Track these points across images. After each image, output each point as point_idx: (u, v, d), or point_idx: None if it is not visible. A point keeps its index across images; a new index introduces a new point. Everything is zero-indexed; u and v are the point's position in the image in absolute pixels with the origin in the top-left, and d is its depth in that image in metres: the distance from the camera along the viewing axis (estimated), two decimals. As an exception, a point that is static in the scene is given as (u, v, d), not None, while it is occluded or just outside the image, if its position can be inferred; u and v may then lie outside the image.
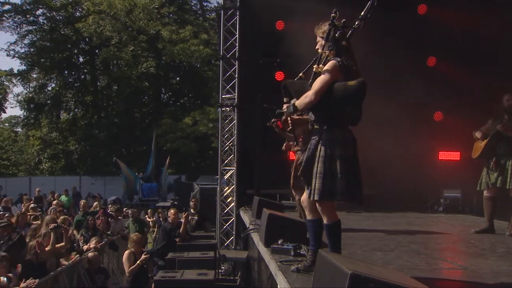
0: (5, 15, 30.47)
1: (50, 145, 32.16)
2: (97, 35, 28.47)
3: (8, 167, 35.69)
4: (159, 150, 26.54)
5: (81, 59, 33.17)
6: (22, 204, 14.17)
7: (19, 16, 30.74)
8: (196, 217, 10.03)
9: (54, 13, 31.02)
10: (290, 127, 4.34)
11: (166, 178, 25.05)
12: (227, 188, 10.21)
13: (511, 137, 5.95)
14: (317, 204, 3.38)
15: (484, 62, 8.95)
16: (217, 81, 15.61)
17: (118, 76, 30.51)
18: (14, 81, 34.23)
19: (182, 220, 8.70)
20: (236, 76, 9.87)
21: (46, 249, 6.76)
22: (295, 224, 4.76)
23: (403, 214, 8.84)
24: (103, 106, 32.70)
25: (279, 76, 9.19)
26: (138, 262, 7.14)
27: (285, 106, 3.61)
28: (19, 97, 34.38)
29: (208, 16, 34.08)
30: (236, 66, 9.87)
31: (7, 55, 30.96)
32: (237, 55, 9.83)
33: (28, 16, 30.80)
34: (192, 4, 35.02)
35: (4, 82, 36.30)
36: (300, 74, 3.68)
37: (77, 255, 7.89)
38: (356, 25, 3.34)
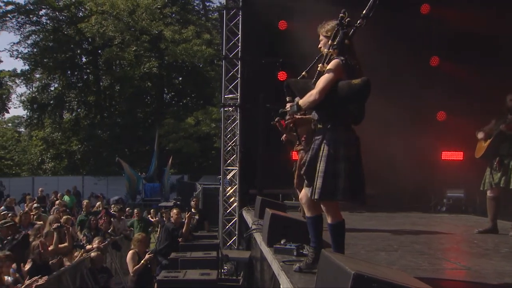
0: (8, 15, 30.57)
1: (53, 145, 32.23)
2: (100, 35, 28.53)
3: (11, 167, 35.79)
4: (161, 150, 26.57)
5: (84, 59, 33.26)
6: (25, 204, 14.22)
7: (22, 17, 30.84)
8: (196, 217, 10.05)
9: (57, 13, 31.11)
10: (292, 126, 4.34)
11: (169, 178, 25.08)
12: (229, 188, 10.22)
13: (515, 137, 5.94)
14: (321, 204, 3.37)
15: (487, 62, 8.93)
16: (219, 81, 15.61)
17: (120, 76, 30.56)
18: (17, 81, 34.36)
19: (185, 220, 8.70)
20: (239, 76, 9.88)
21: (49, 248, 6.78)
22: (298, 224, 4.75)
23: (406, 214, 8.82)
24: (106, 106, 32.77)
25: (282, 76, 9.18)
26: (142, 261, 7.15)
27: (288, 105, 3.61)
28: (22, 97, 34.53)
29: (210, 16, 34.12)
30: (239, 66, 9.87)
31: (11, 55, 31.11)
32: (239, 55, 9.84)
33: (31, 16, 30.90)
34: (195, 4, 35.12)
35: (8, 83, 36.44)
36: (303, 73, 3.68)
37: (81, 251, 7.91)
38: (358, 23, 3.34)
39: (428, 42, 9.95)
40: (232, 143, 10.11)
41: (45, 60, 31.01)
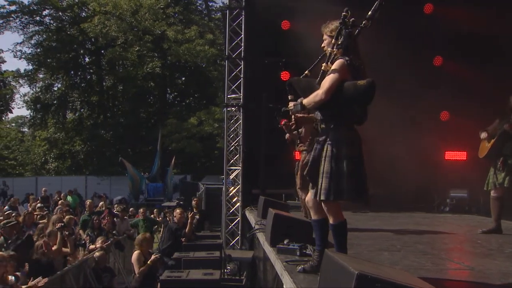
0: (12, 15, 30.69)
1: (56, 145, 32.32)
2: (103, 35, 28.59)
3: (15, 167, 35.92)
4: (164, 150, 26.60)
5: (87, 59, 33.35)
6: (29, 204, 14.27)
7: (26, 17, 30.94)
8: (197, 216, 10.07)
9: (60, 13, 31.19)
10: (294, 125, 4.32)
11: (172, 178, 25.11)
12: (232, 188, 10.21)
13: (519, 137, 5.92)
14: (323, 204, 3.36)
15: (491, 61, 8.91)
16: (222, 81, 15.61)
17: (123, 76, 30.62)
18: (20, 81, 34.48)
19: (188, 220, 8.72)
20: (242, 76, 9.87)
21: (53, 248, 6.80)
22: (301, 224, 4.75)
23: (409, 214, 8.80)
24: (109, 106, 32.84)
25: (285, 76, 9.15)
26: (148, 262, 7.16)
27: (291, 104, 3.59)
28: (26, 97, 34.65)
29: (213, 16, 34.14)
30: (242, 66, 9.87)
31: (14, 56, 31.23)
32: (242, 55, 9.83)
33: (34, 16, 30.99)
34: (198, 4, 35.18)
35: (11, 83, 36.58)
36: (306, 72, 3.67)
37: (85, 251, 7.94)
38: (364, 24, 3.33)
39: (431, 42, 9.93)
40: (235, 143, 10.11)
41: (48, 60, 31.11)
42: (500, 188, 6.03)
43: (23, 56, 31.41)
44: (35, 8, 30.55)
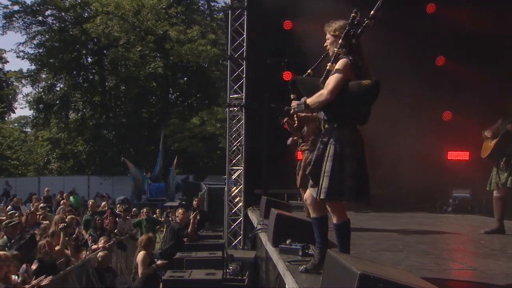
0: (15, 15, 30.77)
1: (58, 145, 32.39)
2: (105, 35, 28.62)
3: (17, 167, 36.01)
4: (167, 150, 26.63)
5: (89, 60, 33.41)
6: (31, 204, 14.29)
7: (29, 17, 31.02)
8: (198, 217, 10.06)
9: (63, 13, 31.26)
10: (296, 124, 4.31)
11: (174, 178, 25.14)
12: (235, 188, 10.22)
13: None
14: (326, 203, 3.36)
15: (493, 61, 8.89)
16: (224, 81, 15.61)
17: (126, 77, 30.66)
18: (23, 81, 34.56)
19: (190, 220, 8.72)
20: (244, 76, 9.87)
21: (56, 248, 6.81)
22: (303, 224, 4.75)
23: (411, 214, 8.79)
24: (111, 106, 32.89)
25: (287, 75, 9.16)
26: (154, 266, 7.19)
27: (294, 103, 3.57)
28: (28, 98, 34.72)
29: (215, 16, 34.16)
30: (244, 66, 9.87)
31: (17, 56, 31.33)
32: (244, 55, 9.83)
33: (37, 16, 31.07)
34: (200, 4, 35.17)
35: (14, 83, 36.67)
36: (309, 71, 3.67)
37: (88, 252, 7.96)
38: (366, 24, 3.33)
39: (433, 42, 9.92)
40: (237, 143, 10.12)
41: (51, 61, 31.16)
42: (503, 188, 6.02)
43: (25, 57, 31.51)
44: (37, 8, 30.61)
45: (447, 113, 10.08)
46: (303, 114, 4.15)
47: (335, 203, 3.34)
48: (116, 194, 23.87)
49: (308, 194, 3.54)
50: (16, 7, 30.50)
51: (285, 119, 5.36)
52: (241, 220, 10.04)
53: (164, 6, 29.61)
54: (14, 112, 40.71)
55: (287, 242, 4.46)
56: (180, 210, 9.11)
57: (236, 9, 9.94)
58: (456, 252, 5.17)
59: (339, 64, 3.27)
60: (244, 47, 9.84)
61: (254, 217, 8.23)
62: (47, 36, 31.61)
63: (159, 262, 7.29)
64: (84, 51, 32.51)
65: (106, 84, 32.79)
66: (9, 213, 10.04)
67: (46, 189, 18.90)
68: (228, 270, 8.81)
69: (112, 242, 9.11)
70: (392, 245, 5.17)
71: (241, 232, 10.03)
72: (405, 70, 8.95)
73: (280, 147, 8.21)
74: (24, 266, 5.90)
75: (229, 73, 10.11)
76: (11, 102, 38.16)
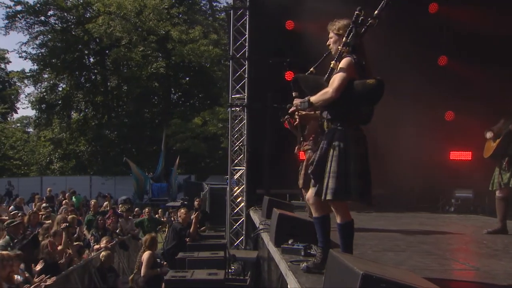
0: (18, 15, 30.84)
1: (60, 145, 32.44)
2: (107, 35, 28.66)
3: (20, 167, 36.09)
4: (169, 150, 26.65)
5: (91, 60, 33.46)
6: (34, 204, 14.33)
7: (31, 17, 31.08)
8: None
9: (65, 13, 31.32)
10: (297, 122, 4.30)
11: (176, 178, 25.16)
12: (237, 188, 10.22)
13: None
14: (331, 203, 3.36)
15: (496, 61, 8.87)
16: (226, 81, 15.62)
17: (128, 77, 30.71)
18: (26, 82, 34.63)
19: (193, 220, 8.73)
20: (246, 76, 9.87)
21: (58, 248, 6.82)
22: (305, 224, 4.74)
23: (414, 214, 8.78)
24: (113, 106, 32.94)
25: (289, 75, 9.16)
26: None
27: (298, 101, 3.54)
28: (31, 98, 34.78)
29: (217, 16, 34.18)
30: (246, 66, 9.87)
31: (20, 56, 31.40)
32: (247, 55, 9.84)
33: (39, 16, 31.14)
34: (202, 4, 35.20)
35: (16, 83, 36.77)
36: (311, 69, 3.66)
37: (89, 251, 7.97)
38: (370, 23, 3.32)
39: (436, 42, 9.90)
40: (239, 143, 10.12)
41: (53, 61, 31.23)
42: (505, 188, 6.00)
43: (28, 57, 31.58)
44: (40, 8, 30.67)
45: (449, 113, 10.07)
46: (304, 112, 4.14)
47: (340, 203, 3.33)
48: (118, 194, 23.89)
49: (310, 194, 3.53)
50: (18, 7, 30.63)
51: (285, 117, 5.35)
52: (243, 220, 10.04)
53: (166, 6, 29.63)
54: (16, 112, 40.87)
55: (289, 242, 4.46)
56: (182, 210, 9.11)
57: (238, 9, 9.94)
58: (459, 252, 5.16)
59: (342, 63, 3.27)
60: (246, 47, 9.84)
61: (256, 217, 8.22)
62: (49, 36, 31.69)
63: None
64: (86, 51, 32.57)
65: (108, 84, 32.84)
66: (11, 213, 10.07)
67: (48, 189, 18.96)
68: (230, 270, 8.81)
69: (114, 242, 9.13)
70: (394, 245, 5.16)
71: (243, 232, 10.03)
72: (407, 69, 8.94)
73: (282, 147, 8.21)
74: (22, 265, 5.90)
75: (231, 73, 10.11)
76: (14, 102, 38.26)
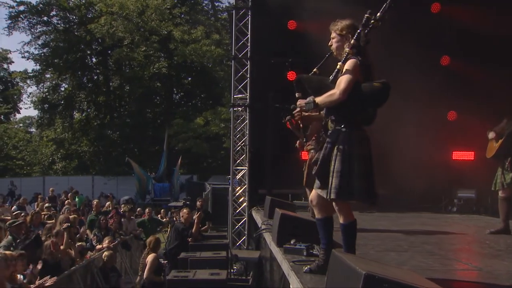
0: (20, 15, 30.90)
1: (63, 145, 32.49)
2: (110, 35, 28.69)
3: (22, 167, 36.16)
4: (171, 150, 26.65)
5: (93, 60, 33.49)
6: (36, 204, 14.35)
7: (34, 17, 31.14)
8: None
9: (68, 14, 31.37)
10: (301, 123, 4.29)
11: (178, 178, 25.15)
12: (239, 188, 10.22)
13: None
14: (334, 203, 3.35)
15: (498, 61, 8.84)
16: (229, 81, 15.62)
17: (130, 77, 30.72)
18: (28, 82, 34.70)
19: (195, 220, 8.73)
20: (248, 76, 9.88)
21: (61, 248, 6.83)
22: (308, 224, 4.75)
23: (416, 214, 8.78)
24: (116, 107, 32.96)
25: (291, 75, 9.16)
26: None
27: (302, 101, 3.50)
28: (33, 98, 34.84)
29: (219, 16, 34.17)
30: (248, 66, 9.88)
31: (22, 57, 31.45)
32: (249, 55, 9.84)
33: (42, 16, 31.19)
34: (204, 4, 35.19)
35: (19, 83, 36.84)
36: (314, 70, 3.66)
37: (92, 253, 7.99)
38: (373, 24, 3.31)
39: (438, 41, 9.89)
40: (242, 143, 10.12)
41: (55, 61, 31.27)
42: (508, 189, 6.00)
43: (30, 57, 31.62)
44: (42, 8, 30.71)
45: (452, 113, 10.05)
46: (307, 113, 4.14)
47: (343, 203, 3.33)
48: (120, 194, 23.90)
49: (314, 195, 3.53)
50: (21, 8, 30.68)
51: (287, 118, 5.34)
52: (245, 220, 10.04)
53: (168, 7, 29.65)
54: (19, 113, 40.94)
55: (292, 242, 4.46)
56: (184, 210, 9.11)
57: (240, 9, 9.94)
58: (461, 253, 5.16)
59: (348, 65, 3.26)
60: (248, 47, 9.85)
61: (258, 217, 8.23)
62: (51, 36, 31.71)
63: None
64: (88, 51, 32.59)
65: (111, 84, 32.86)
66: (14, 213, 10.09)
67: (50, 189, 18.98)
68: (232, 270, 8.81)
69: (116, 242, 9.14)
70: (396, 245, 5.16)
71: (245, 232, 10.03)
72: (409, 69, 8.91)
73: (284, 147, 8.21)
74: (30, 266, 5.93)
75: (233, 73, 10.12)
76: (16, 103, 38.34)
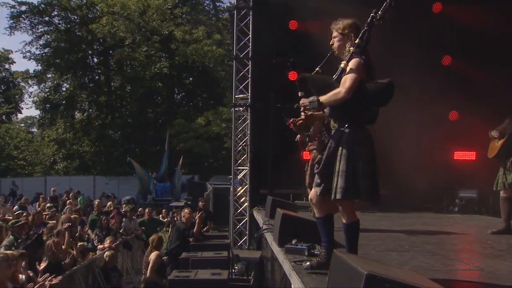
0: (22, 16, 30.94)
1: (64, 145, 32.53)
2: (111, 36, 28.73)
3: (24, 167, 36.22)
4: (172, 150, 26.67)
5: (95, 60, 33.52)
6: (37, 204, 14.37)
7: (35, 17, 31.18)
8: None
9: (69, 14, 31.41)
10: (305, 123, 4.28)
11: (180, 178, 25.17)
12: (240, 188, 10.22)
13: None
14: (338, 203, 3.35)
15: (500, 61, 8.84)
16: (230, 81, 15.62)
17: (131, 77, 30.76)
18: (30, 82, 34.76)
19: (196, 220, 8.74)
20: (249, 76, 9.88)
21: (62, 247, 6.84)
22: (309, 224, 4.74)
23: (418, 214, 8.77)
24: (117, 107, 33.00)
25: (293, 75, 9.15)
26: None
27: (305, 100, 3.48)
28: (34, 98, 34.90)
29: (221, 16, 34.19)
30: (249, 66, 9.88)
31: (24, 57, 31.47)
32: (250, 55, 9.84)
33: (44, 16, 31.23)
34: (205, 4, 35.22)
35: (20, 83, 36.88)
36: (317, 69, 3.65)
37: (94, 253, 8.00)
38: (374, 24, 3.31)
39: (440, 41, 9.87)
40: (243, 143, 10.12)
41: (57, 61, 31.31)
42: (509, 189, 5.98)
43: (32, 57, 31.67)
44: (44, 8, 30.75)
45: (453, 113, 10.04)
46: (310, 113, 4.13)
47: (347, 202, 3.33)
48: (122, 194, 23.92)
49: (313, 193, 3.52)
50: (23, 8, 30.72)
51: (291, 120, 5.33)
52: (246, 220, 10.05)
53: (169, 7, 29.68)
54: (20, 113, 41.02)
55: (293, 242, 4.46)
56: (186, 210, 9.11)
57: (241, 9, 9.95)
58: (463, 253, 5.15)
59: (352, 64, 3.25)
60: (250, 47, 9.85)
61: (259, 217, 8.23)
62: (53, 36, 31.76)
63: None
64: (90, 51, 32.64)
65: (112, 84, 32.90)
66: (16, 213, 10.10)
67: (52, 189, 19.01)
68: (233, 270, 8.81)
69: (118, 242, 9.14)
70: (398, 245, 5.16)
71: (247, 232, 10.04)
72: (411, 69, 8.91)
73: (285, 147, 8.20)
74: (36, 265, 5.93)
75: (235, 73, 10.12)
76: (18, 103, 38.40)
